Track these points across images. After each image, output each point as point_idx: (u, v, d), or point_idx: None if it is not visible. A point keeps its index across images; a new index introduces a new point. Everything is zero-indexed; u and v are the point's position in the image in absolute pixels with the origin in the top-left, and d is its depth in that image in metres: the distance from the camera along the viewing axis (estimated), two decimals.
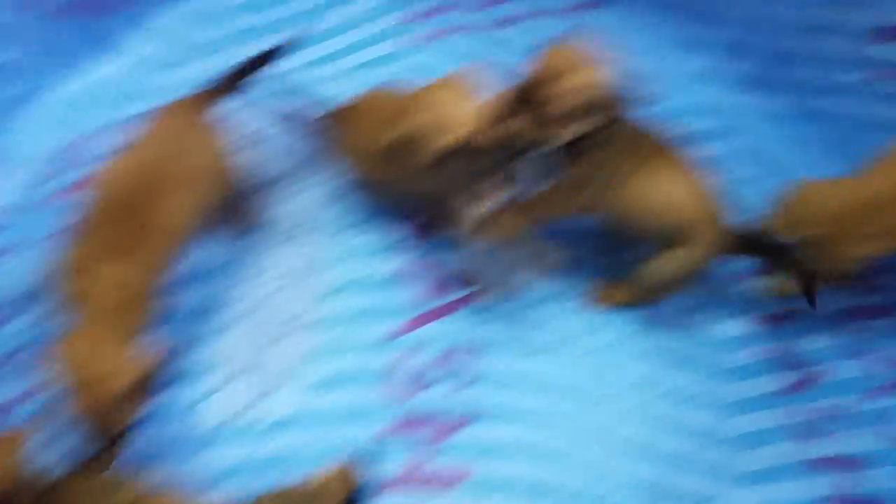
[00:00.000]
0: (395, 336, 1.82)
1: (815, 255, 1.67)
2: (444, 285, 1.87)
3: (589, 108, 1.45)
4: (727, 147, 2.04)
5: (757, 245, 1.71)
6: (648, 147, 1.60)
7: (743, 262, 1.83)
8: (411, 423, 1.74)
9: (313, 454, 1.68)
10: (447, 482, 1.69)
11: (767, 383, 1.83)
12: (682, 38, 2.18)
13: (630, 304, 1.83)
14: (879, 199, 1.63)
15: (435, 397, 1.77)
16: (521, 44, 2.09)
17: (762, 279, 1.85)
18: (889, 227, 1.64)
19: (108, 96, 2.08)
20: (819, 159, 1.98)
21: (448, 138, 1.48)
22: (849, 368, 1.84)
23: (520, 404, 1.77)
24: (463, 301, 1.86)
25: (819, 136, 2.02)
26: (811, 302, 1.72)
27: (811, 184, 1.72)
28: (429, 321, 1.84)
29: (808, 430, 1.78)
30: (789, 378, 1.83)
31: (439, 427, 1.74)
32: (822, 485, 1.74)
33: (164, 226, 1.52)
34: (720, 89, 2.13)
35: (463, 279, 1.87)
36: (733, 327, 1.88)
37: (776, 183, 1.87)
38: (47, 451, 1.39)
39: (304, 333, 1.81)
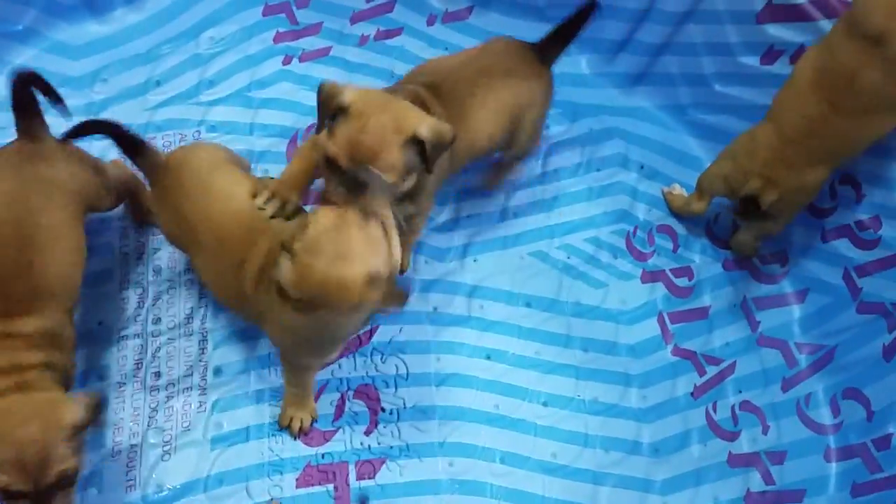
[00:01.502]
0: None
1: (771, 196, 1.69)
2: None
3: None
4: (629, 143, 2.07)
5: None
6: None
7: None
8: (321, 470, 1.67)
9: None
10: None
11: (680, 385, 1.84)
12: None
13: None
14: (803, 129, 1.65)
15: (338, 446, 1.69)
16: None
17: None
18: (824, 153, 1.66)
19: None
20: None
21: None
22: (758, 360, 1.87)
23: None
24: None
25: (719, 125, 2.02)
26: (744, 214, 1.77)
27: (739, 139, 1.77)
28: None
29: (725, 428, 1.80)
30: (701, 377, 1.85)
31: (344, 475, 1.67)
32: (742, 482, 1.76)
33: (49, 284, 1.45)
34: (612, 86, 2.12)
35: None
36: (640, 332, 1.88)
37: (680, 172, 2.00)
38: None
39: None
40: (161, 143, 1.93)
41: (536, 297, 1.87)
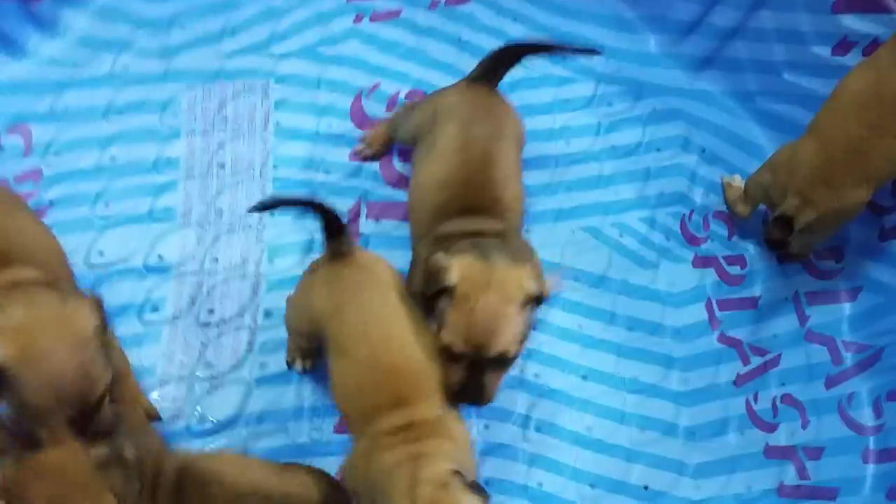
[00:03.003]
0: None
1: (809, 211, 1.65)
2: None
3: None
4: (692, 126, 2.04)
5: None
6: None
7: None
8: None
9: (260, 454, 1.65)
10: None
11: (723, 372, 1.83)
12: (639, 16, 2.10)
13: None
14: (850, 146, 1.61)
15: None
16: None
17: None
18: (867, 174, 1.62)
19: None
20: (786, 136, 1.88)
21: None
22: (804, 354, 1.85)
23: None
24: None
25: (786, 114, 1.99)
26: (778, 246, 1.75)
27: (781, 151, 1.74)
28: None
29: (765, 419, 1.79)
30: (745, 366, 1.83)
31: None
32: (776, 475, 1.75)
33: None
34: (679, 67, 2.09)
35: None
36: (687, 316, 1.87)
37: (743, 159, 1.98)
38: None
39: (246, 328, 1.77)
40: (231, 90, 1.97)
41: (585, 271, 1.87)
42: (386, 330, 1.36)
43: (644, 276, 1.90)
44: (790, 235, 1.69)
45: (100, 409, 1.24)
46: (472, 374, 1.34)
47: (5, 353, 1.15)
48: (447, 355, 1.35)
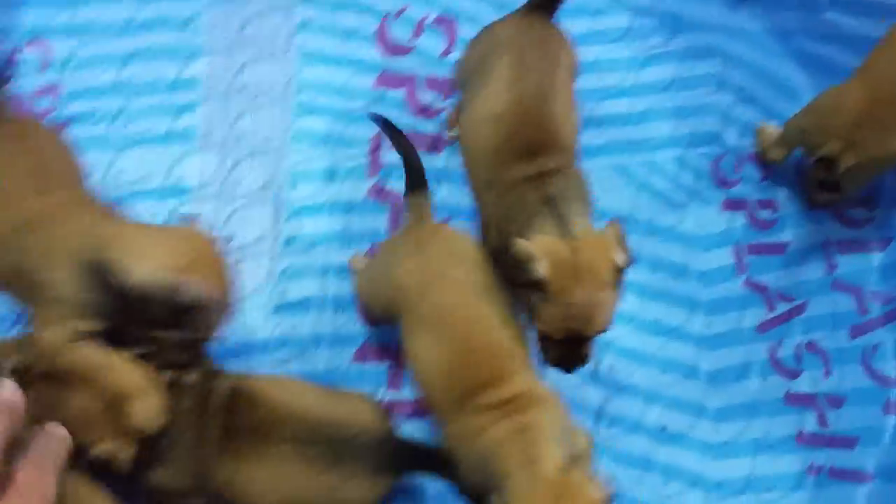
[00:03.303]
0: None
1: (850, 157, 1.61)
2: None
3: None
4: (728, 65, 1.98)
5: None
6: None
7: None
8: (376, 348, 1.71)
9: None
10: None
11: (748, 318, 1.80)
12: None
13: None
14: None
15: None
16: None
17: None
18: None
19: None
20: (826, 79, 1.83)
21: None
22: (830, 303, 1.82)
23: None
24: None
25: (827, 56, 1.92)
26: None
27: (826, 93, 1.70)
28: None
29: (787, 366, 1.78)
30: (770, 312, 1.81)
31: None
32: (796, 422, 1.74)
33: None
34: (717, 2, 2.01)
35: None
36: (713, 260, 1.84)
37: (780, 102, 1.92)
38: None
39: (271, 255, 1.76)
40: (254, 9, 1.92)
41: (611, 210, 1.83)
42: (477, 310, 1.34)
43: (671, 217, 1.86)
44: (835, 177, 1.65)
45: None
46: (571, 349, 1.32)
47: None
48: (543, 338, 1.33)
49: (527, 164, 1.43)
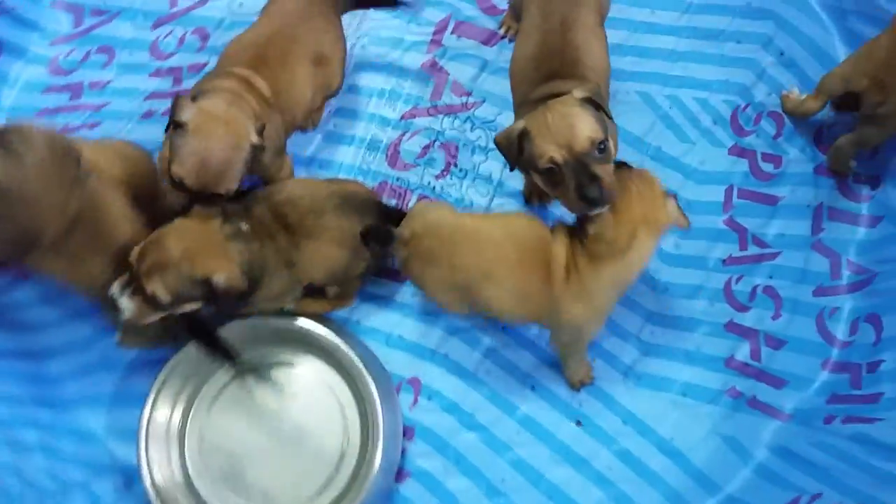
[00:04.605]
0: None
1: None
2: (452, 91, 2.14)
3: None
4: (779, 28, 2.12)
5: None
6: None
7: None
8: (393, 188, 2.07)
9: None
10: None
11: (717, 250, 1.97)
12: None
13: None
14: None
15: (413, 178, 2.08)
16: None
17: None
18: None
19: None
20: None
21: None
22: (803, 259, 1.95)
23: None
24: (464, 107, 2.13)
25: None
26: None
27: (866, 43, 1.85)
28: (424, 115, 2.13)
29: (739, 300, 1.94)
30: (741, 251, 1.97)
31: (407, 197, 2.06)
32: (729, 348, 1.90)
33: None
34: None
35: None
36: (704, 194, 2.00)
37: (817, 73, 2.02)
38: None
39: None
40: None
41: (625, 130, 2.05)
42: (496, 239, 1.64)
43: (678, 148, 2.06)
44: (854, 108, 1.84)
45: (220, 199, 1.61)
46: (581, 177, 1.53)
47: (189, 118, 1.56)
48: (549, 180, 1.58)
49: (549, 85, 1.70)
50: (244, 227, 1.64)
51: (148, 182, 1.76)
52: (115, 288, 1.57)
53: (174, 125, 1.56)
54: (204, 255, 1.55)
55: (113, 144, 1.83)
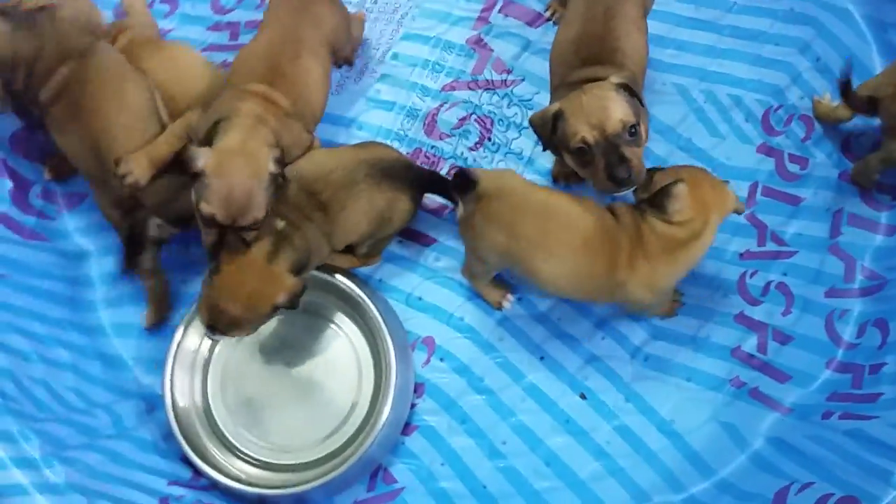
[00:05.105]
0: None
1: None
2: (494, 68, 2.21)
3: None
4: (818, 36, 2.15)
5: None
6: None
7: None
8: (427, 156, 2.14)
9: None
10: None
11: (735, 243, 2.02)
12: None
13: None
14: None
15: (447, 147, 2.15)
16: None
17: None
18: None
19: None
20: None
21: None
22: (819, 261, 1.99)
23: None
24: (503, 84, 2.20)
25: None
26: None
27: None
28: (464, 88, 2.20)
29: (752, 293, 1.98)
30: (759, 247, 2.01)
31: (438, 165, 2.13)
32: (737, 338, 1.95)
33: None
34: None
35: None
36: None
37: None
38: None
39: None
40: None
41: (657, 119, 2.12)
42: (563, 217, 1.68)
43: (708, 141, 2.11)
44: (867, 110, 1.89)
45: (250, 229, 1.63)
46: (611, 158, 1.62)
47: (206, 163, 1.59)
48: (579, 160, 1.67)
49: (586, 70, 1.78)
50: (280, 224, 1.67)
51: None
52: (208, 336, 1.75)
53: (192, 176, 1.60)
54: (259, 297, 1.62)
55: (190, 58, 2.00)
